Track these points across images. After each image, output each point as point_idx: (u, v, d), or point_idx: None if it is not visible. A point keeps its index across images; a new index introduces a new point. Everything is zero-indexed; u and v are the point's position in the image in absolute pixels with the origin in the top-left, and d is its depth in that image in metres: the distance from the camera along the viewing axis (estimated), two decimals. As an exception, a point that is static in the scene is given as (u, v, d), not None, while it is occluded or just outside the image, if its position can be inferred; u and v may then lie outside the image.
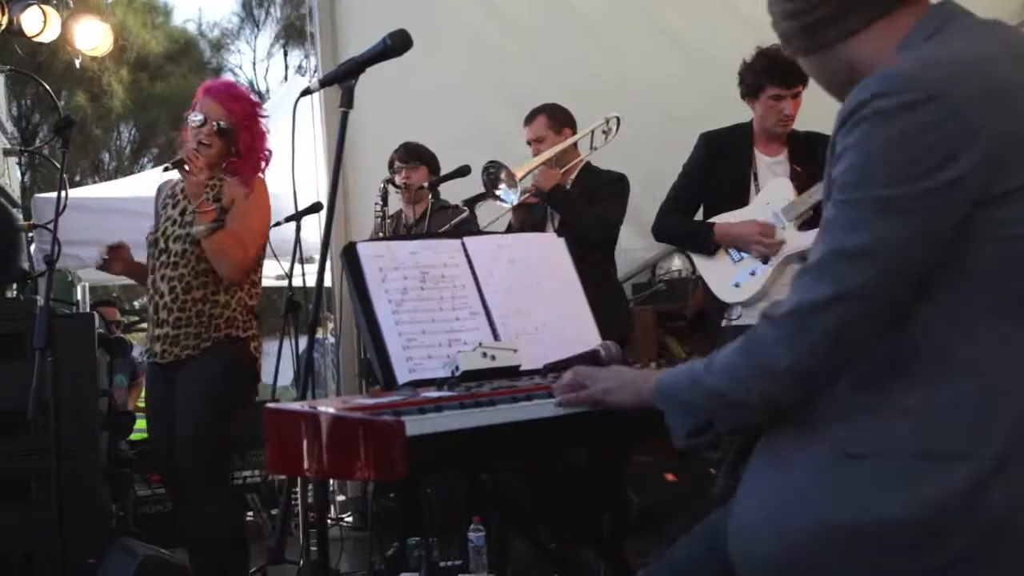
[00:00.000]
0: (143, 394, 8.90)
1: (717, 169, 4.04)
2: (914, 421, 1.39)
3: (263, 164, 3.75)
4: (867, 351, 1.45)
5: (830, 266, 1.42)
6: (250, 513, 5.93)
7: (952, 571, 1.35)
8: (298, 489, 4.45)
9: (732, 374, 1.51)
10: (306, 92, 2.50)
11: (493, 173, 4.23)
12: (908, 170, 1.37)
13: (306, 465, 1.73)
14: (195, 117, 3.67)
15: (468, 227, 4.45)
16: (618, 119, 4.71)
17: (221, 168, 3.72)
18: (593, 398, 1.78)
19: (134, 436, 6.77)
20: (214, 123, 3.65)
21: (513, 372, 2.12)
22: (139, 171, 15.44)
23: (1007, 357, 1.38)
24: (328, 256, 2.45)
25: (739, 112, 4.11)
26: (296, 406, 1.83)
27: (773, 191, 3.93)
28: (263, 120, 3.77)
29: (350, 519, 6.04)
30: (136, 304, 18.16)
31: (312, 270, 4.00)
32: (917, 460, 1.37)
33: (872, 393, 1.43)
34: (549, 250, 2.45)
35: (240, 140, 3.69)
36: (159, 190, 4.00)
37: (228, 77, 20.19)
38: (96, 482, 4.47)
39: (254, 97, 3.91)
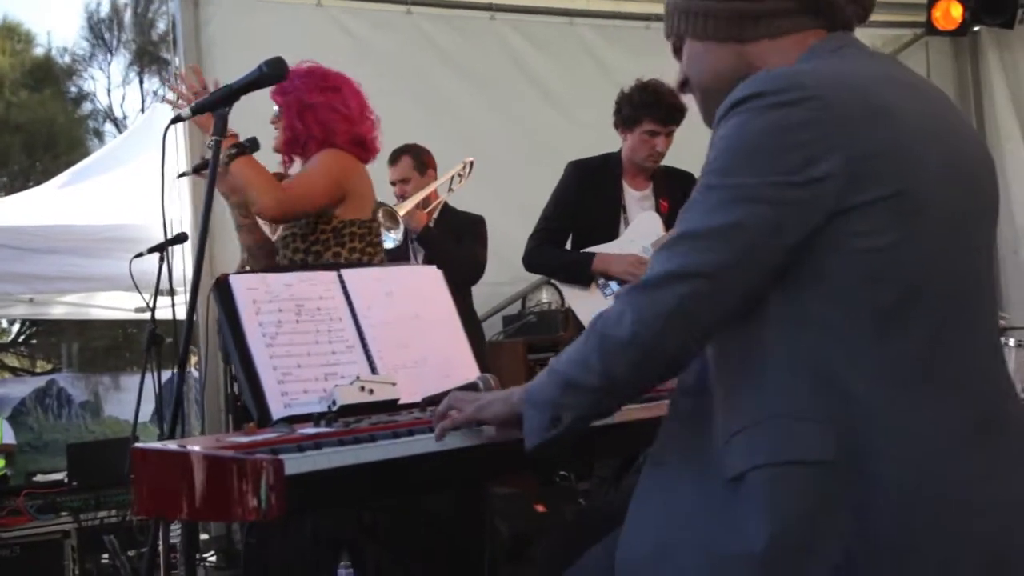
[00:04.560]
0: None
1: (586, 199, 4.08)
2: (773, 432, 1.40)
3: (333, 136, 3.29)
4: (728, 371, 1.47)
5: (680, 244, 1.44)
6: (106, 556, 5.69)
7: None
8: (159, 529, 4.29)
9: (576, 356, 1.52)
10: (177, 119, 2.44)
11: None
12: (772, 162, 1.40)
13: (179, 507, 1.66)
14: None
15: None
16: (472, 163, 4.77)
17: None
18: (468, 418, 1.75)
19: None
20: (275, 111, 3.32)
21: (392, 406, 2.09)
22: (-12, 198, 14.77)
23: (863, 367, 1.40)
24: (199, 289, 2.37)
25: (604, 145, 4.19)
26: (166, 445, 1.77)
27: (642, 225, 3.99)
28: (315, 98, 3.31)
29: (213, 558, 5.86)
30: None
31: (172, 302, 3.90)
32: (778, 469, 1.38)
33: (735, 414, 1.45)
34: (427, 282, 2.43)
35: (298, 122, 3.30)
36: None
37: (86, 105, 19.53)
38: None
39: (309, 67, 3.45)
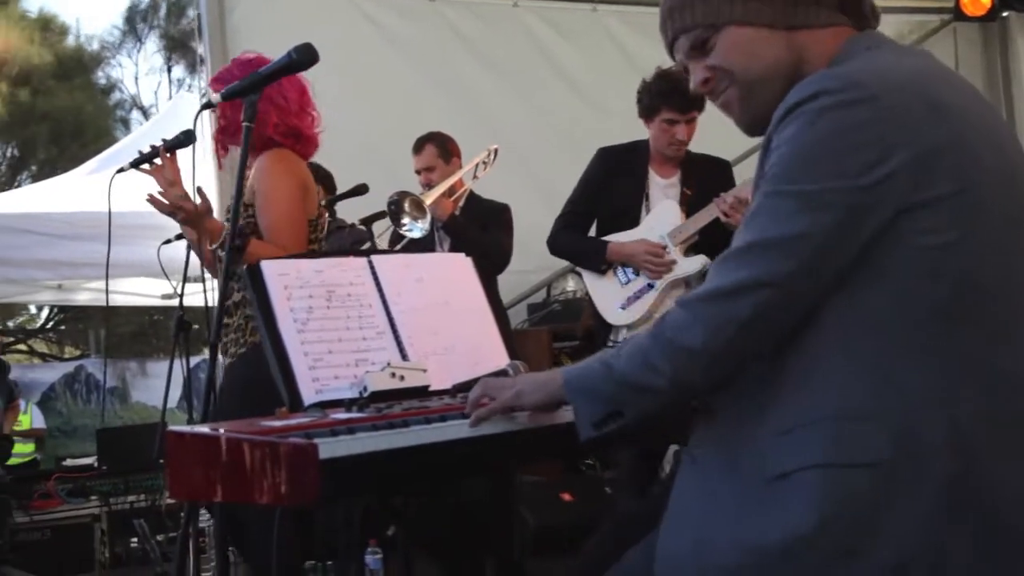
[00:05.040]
0: (19, 417, 8.62)
1: (612, 185, 4.08)
2: (826, 433, 1.40)
3: (263, 126, 3.16)
4: (779, 368, 1.46)
5: (750, 254, 1.44)
6: (135, 540, 5.75)
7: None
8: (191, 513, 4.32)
9: (643, 359, 1.52)
10: (207, 106, 2.46)
11: (397, 203, 4.22)
12: (838, 166, 1.39)
13: (212, 491, 1.67)
14: None
15: (368, 246, 4.44)
16: (496, 150, 4.77)
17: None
18: (506, 405, 1.75)
19: (12, 461, 6.52)
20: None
21: (422, 392, 2.09)
22: (16, 187, 14.89)
23: (920, 365, 1.40)
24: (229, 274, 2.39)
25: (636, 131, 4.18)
26: (200, 429, 1.78)
27: (661, 214, 3.98)
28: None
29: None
30: (11, 324, 17.53)
31: (199, 289, 3.90)
32: (830, 470, 1.38)
33: (784, 412, 1.44)
34: (457, 269, 2.43)
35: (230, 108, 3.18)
36: None
37: (114, 94, 19.62)
38: (-28, 509, 4.27)
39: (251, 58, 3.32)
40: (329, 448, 1.56)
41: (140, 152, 3.38)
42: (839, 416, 1.40)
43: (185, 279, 4.21)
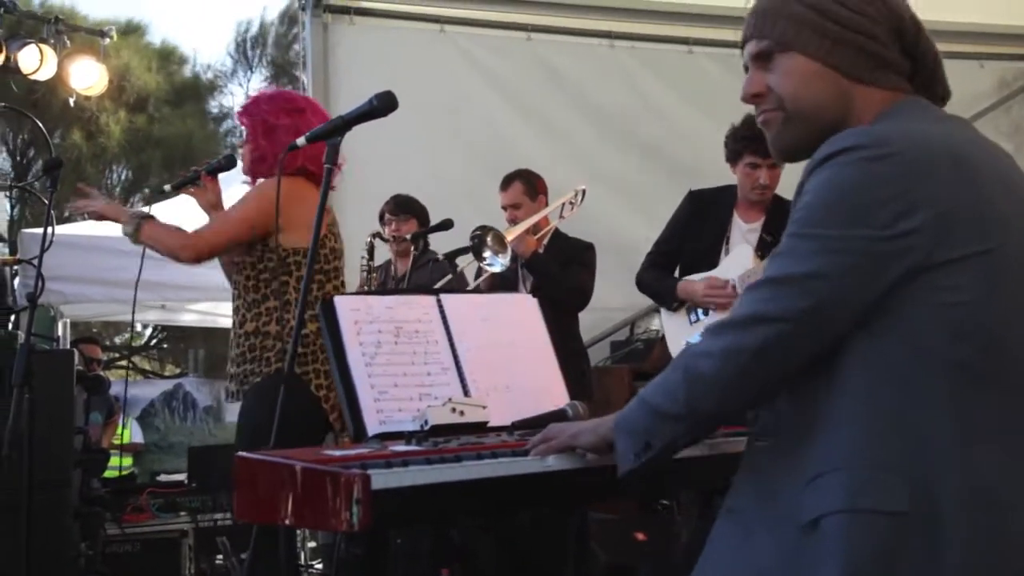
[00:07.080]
0: (118, 431, 8.91)
1: (696, 228, 4.14)
2: (849, 479, 1.42)
3: (292, 158, 3.25)
4: (806, 418, 1.49)
5: (768, 288, 1.49)
6: (220, 557, 5.89)
7: None
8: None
9: (664, 386, 1.59)
10: (293, 147, 2.57)
11: (479, 237, 4.31)
12: (861, 215, 1.43)
13: (276, 514, 1.76)
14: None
15: (452, 282, 4.52)
16: (584, 191, 4.83)
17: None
18: (563, 445, 1.82)
19: (107, 474, 6.74)
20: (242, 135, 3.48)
21: (481, 428, 2.16)
22: (128, 209, 15.40)
23: (940, 421, 1.41)
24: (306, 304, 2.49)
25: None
26: (265, 455, 1.87)
27: (735, 258, 4.01)
28: (280, 120, 3.39)
29: (319, 566, 6.02)
30: (117, 340, 18.13)
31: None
32: (852, 516, 1.40)
33: (811, 460, 1.47)
34: (522, 310, 2.51)
35: (263, 140, 3.40)
36: None
37: (225, 122, 20.31)
38: (66, 519, 4.45)
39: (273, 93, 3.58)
40: (382, 479, 1.63)
41: (182, 173, 3.58)
42: (861, 464, 1.42)
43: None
